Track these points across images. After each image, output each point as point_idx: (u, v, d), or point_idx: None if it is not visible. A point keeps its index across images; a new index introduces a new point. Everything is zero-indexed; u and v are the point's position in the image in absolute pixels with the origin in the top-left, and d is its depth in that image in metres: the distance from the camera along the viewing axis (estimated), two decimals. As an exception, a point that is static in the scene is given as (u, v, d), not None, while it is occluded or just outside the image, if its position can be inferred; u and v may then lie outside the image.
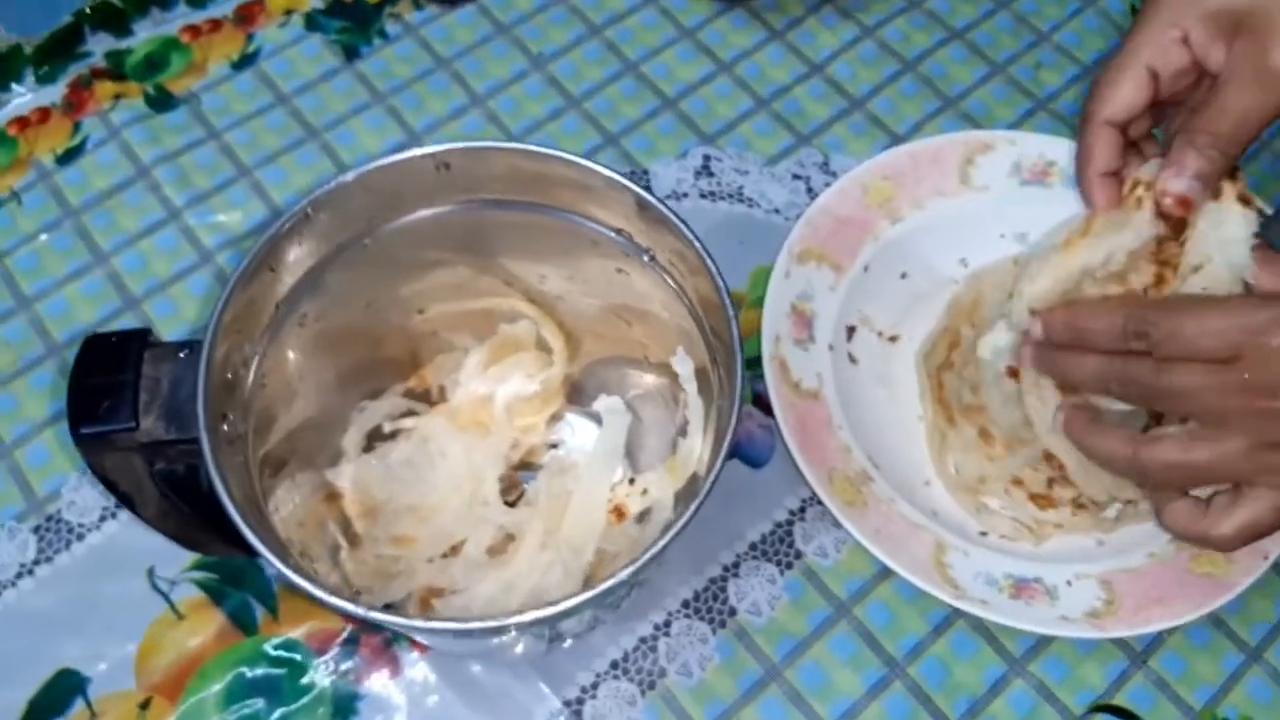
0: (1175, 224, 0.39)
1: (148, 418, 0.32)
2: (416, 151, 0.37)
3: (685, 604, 0.47)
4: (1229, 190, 0.39)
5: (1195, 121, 0.38)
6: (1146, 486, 0.43)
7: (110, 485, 0.36)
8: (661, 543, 0.31)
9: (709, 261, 0.34)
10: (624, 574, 0.30)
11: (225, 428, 0.34)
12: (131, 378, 0.32)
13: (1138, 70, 0.40)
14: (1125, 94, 0.40)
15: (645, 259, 0.38)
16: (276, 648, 0.46)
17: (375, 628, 0.46)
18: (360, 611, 0.29)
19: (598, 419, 0.46)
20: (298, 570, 0.30)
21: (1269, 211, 0.39)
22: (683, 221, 0.35)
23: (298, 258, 0.37)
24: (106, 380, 0.32)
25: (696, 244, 0.35)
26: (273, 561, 0.30)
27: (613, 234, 0.39)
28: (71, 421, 0.32)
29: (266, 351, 0.36)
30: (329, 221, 0.37)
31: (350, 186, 0.36)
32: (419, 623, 0.29)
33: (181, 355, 0.33)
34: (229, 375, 0.34)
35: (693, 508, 0.31)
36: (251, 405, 0.36)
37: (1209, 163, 0.38)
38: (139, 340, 0.33)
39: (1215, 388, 0.36)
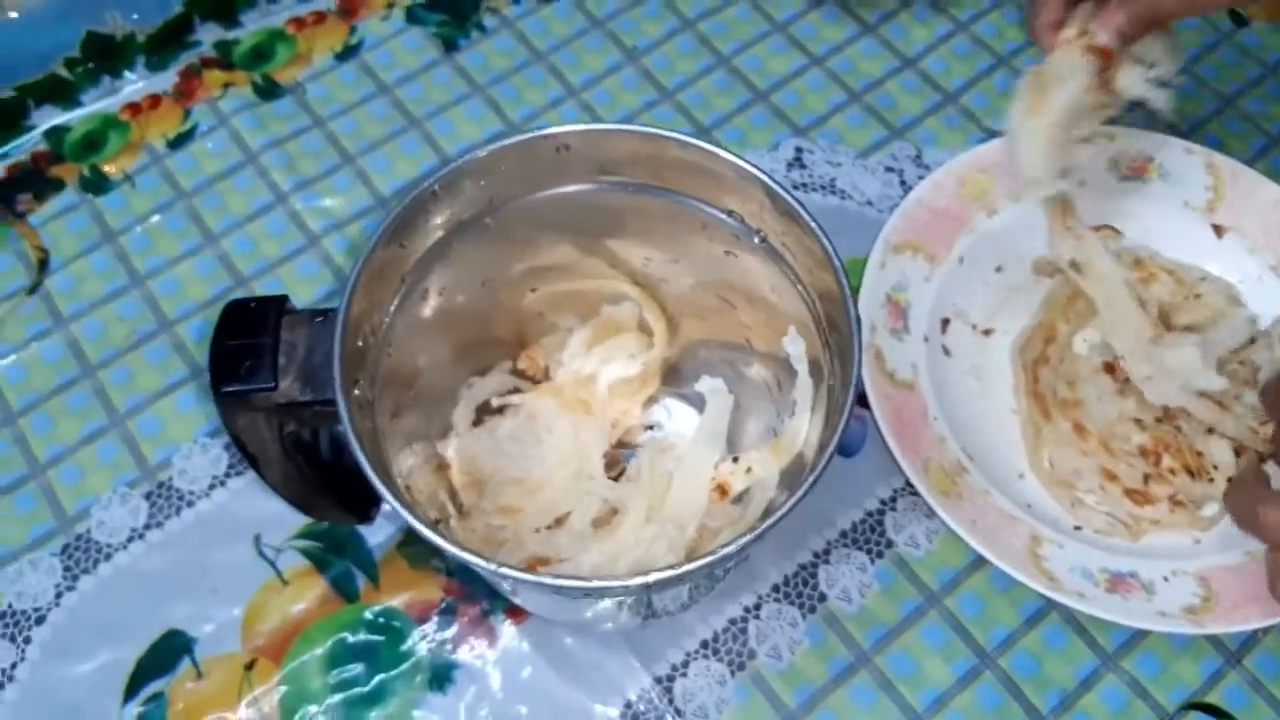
0: (1104, 61, 0.44)
1: (285, 379, 0.34)
2: (538, 133, 0.38)
3: (775, 588, 0.48)
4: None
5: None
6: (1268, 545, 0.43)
7: (240, 445, 0.37)
8: (780, 513, 0.31)
9: (828, 244, 0.35)
10: (742, 542, 0.31)
11: (357, 392, 0.35)
12: (270, 341, 0.34)
13: None
14: None
15: (756, 240, 0.39)
16: (377, 615, 0.48)
17: (472, 599, 0.47)
18: (489, 565, 0.30)
19: (693, 401, 0.47)
20: (428, 524, 0.31)
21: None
22: (803, 207, 0.35)
23: (424, 232, 0.38)
24: (247, 343, 0.34)
25: (814, 226, 0.35)
26: (406, 516, 0.31)
27: (724, 215, 0.40)
28: (214, 380, 0.34)
29: (393, 321, 0.38)
30: (454, 199, 0.38)
31: (474, 166, 0.37)
32: (545, 579, 0.30)
33: (317, 321, 0.35)
34: (360, 342, 0.36)
35: (807, 483, 0.32)
36: (378, 373, 0.37)
37: (1129, 26, 0.44)
38: (277, 306, 0.35)
39: None
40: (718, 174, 0.38)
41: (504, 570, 0.30)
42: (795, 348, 0.39)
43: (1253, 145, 0.59)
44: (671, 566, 0.30)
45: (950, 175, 0.53)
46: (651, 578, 0.30)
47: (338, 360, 0.33)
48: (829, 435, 0.33)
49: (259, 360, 0.34)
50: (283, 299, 0.35)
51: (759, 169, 0.37)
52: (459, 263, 0.40)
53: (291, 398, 0.34)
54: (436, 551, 0.46)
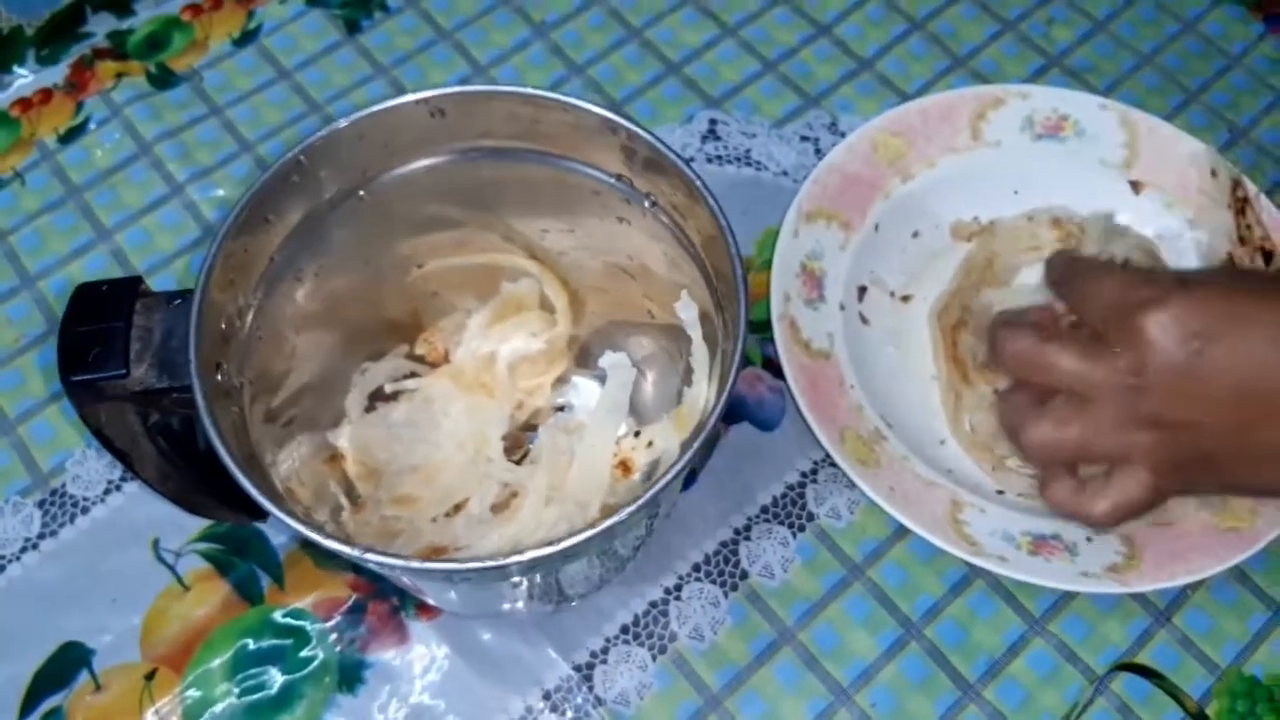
0: None
1: (139, 366, 0.32)
2: (410, 97, 0.36)
3: (696, 567, 0.46)
4: None
5: None
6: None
7: (105, 441, 0.35)
8: (668, 476, 0.30)
9: (705, 192, 0.33)
10: (632, 508, 0.30)
11: (219, 378, 0.33)
12: (122, 325, 0.32)
13: None
14: None
15: (646, 204, 0.38)
16: (283, 617, 0.45)
17: (381, 596, 0.45)
18: (355, 552, 0.28)
19: (605, 380, 0.45)
20: (291, 515, 0.29)
21: None
22: (675, 154, 0.34)
23: (291, 207, 0.36)
24: (97, 328, 0.32)
25: (689, 173, 0.34)
26: (265, 504, 0.29)
27: (612, 180, 0.38)
28: (61, 368, 0.32)
29: (262, 304, 0.36)
30: (322, 170, 0.36)
31: (343, 134, 0.35)
32: (413, 563, 0.28)
33: (173, 304, 0.33)
34: (223, 325, 0.34)
35: (696, 443, 0.31)
36: (247, 358, 0.35)
37: None
38: (130, 289, 0.33)
39: (1088, 362, 0.37)
40: (596, 134, 0.36)
41: (370, 556, 0.28)
42: (688, 313, 0.37)
43: (1170, 101, 0.59)
44: (551, 542, 0.29)
45: (863, 140, 0.52)
46: (526, 556, 0.28)
47: (193, 342, 0.31)
48: (720, 394, 0.32)
49: (109, 346, 0.31)
50: (136, 280, 0.33)
51: (629, 121, 0.35)
52: (335, 240, 0.38)
53: (147, 385, 0.32)
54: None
